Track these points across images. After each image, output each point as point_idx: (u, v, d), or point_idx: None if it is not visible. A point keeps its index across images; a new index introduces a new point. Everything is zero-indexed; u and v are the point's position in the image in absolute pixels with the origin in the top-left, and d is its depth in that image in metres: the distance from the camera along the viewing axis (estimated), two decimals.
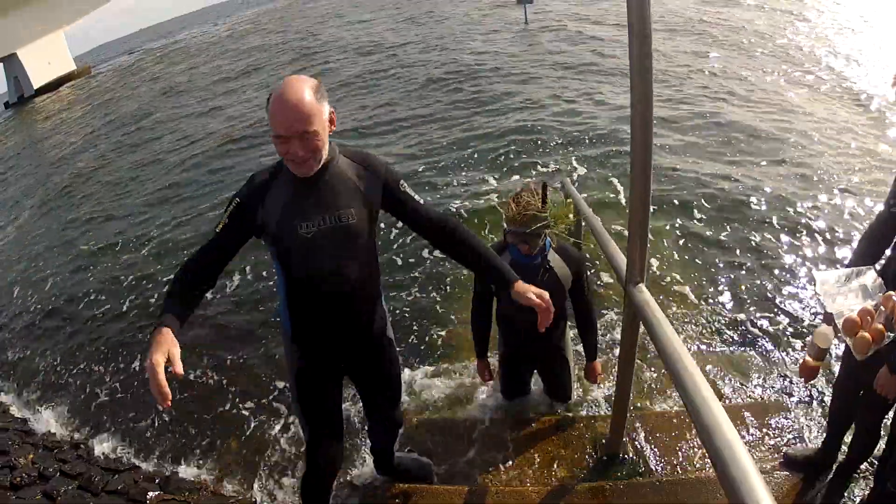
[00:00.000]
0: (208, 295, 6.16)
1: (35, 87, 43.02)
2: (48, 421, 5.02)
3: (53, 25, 45.04)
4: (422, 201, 2.19)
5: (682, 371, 1.61)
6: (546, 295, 2.06)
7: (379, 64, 18.47)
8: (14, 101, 43.72)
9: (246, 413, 4.61)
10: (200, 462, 4.21)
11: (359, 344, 2.35)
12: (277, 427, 4.34)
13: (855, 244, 2.41)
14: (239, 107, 16.78)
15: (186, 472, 4.11)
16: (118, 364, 5.73)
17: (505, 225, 2.79)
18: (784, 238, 5.78)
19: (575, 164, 8.35)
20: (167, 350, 1.65)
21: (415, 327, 5.21)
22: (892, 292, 1.60)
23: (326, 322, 2.22)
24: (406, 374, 4.45)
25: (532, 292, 2.05)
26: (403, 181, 2.17)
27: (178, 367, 1.65)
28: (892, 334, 1.61)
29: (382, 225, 7.22)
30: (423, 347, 4.93)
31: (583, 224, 4.34)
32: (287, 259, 2.11)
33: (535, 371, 3.59)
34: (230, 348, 5.45)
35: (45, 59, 43.90)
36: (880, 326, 1.61)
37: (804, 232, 5.84)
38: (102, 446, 4.50)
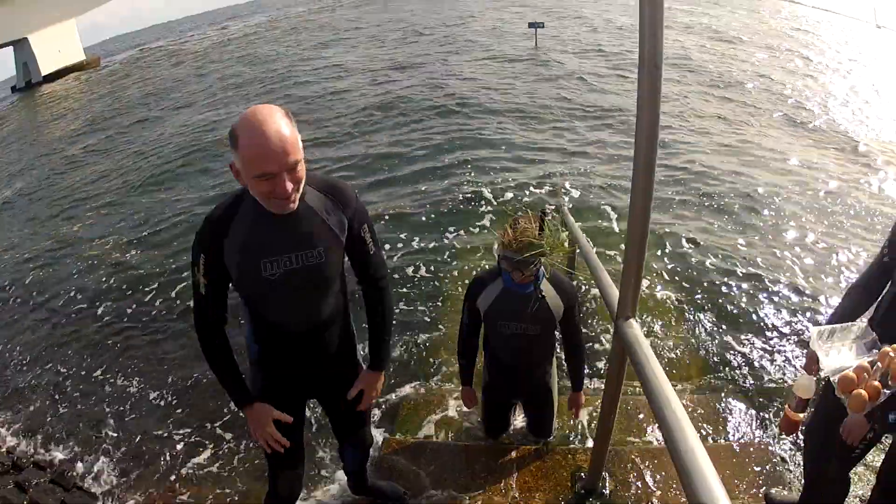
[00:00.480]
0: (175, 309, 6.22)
1: (43, 73, 43.05)
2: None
3: (66, 13, 45.17)
4: (374, 251, 2.16)
5: (667, 413, 1.57)
6: (366, 394, 2.36)
7: (390, 83, 18.57)
8: (21, 87, 43.73)
9: (212, 430, 4.55)
10: (160, 480, 4.13)
11: (327, 372, 2.31)
12: (243, 443, 4.30)
13: (841, 293, 2.40)
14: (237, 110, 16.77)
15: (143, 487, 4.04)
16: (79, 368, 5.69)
17: (499, 250, 2.73)
18: (772, 287, 5.78)
19: (573, 189, 8.39)
20: (269, 419, 2.11)
21: (399, 349, 5.16)
22: (888, 348, 1.58)
23: (294, 354, 2.17)
24: (388, 397, 4.41)
25: (367, 386, 2.35)
26: (368, 224, 2.12)
27: (286, 418, 2.16)
28: (888, 391, 1.58)
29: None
30: (406, 370, 4.88)
31: (577, 253, 4.32)
32: (251, 301, 2.05)
33: (519, 404, 3.53)
34: (193, 365, 5.37)
35: (55, 47, 43.99)
36: (877, 384, 1.58)
37: (791, 281, 5.87)
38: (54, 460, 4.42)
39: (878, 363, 1.60)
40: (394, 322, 2.38)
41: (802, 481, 2.86)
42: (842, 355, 1.64)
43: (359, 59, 22.95)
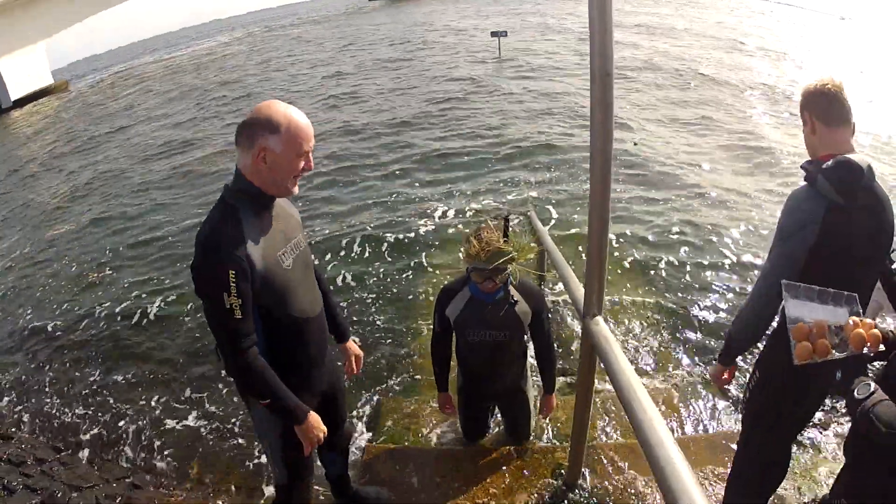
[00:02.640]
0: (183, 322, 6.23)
1: (13, 99, 42.05)
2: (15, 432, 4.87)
3: (34, 37, 44.16)
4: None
5: (636, 406, 1.64)
6: (359, 360, 2.73)
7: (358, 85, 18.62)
8: None
9: (210, 434, 4.59)
10: (164, 482, 4.14)
11: (327, 371, 2.42)
12: (247, 451, 4.32)
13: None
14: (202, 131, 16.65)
15: (148, 490, 4.03)
16: (90, 377, 5.68)
17: (465, 263, 2.77)
18: (744, 276, 5.95)
19: (538, 194, 8.54)
20: (321, 422, 2.19)
21: (376, 355, 5.21)
22: (858, 319, 1.65)
23: (307, 356, 2.25)
24: (366, 402, 4.49)
25: (353, 354, 2.70)
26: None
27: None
28: (836, 354, 1.64)
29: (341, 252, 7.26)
30: (383, 375, 4.92)
31: (546, 257, 4.38)
32: (270, 299, 2.02)
33: (496, 407, 3.58)
34: (195, 372, 5.42)
35: (24, 72, 42.94)
36: (826, 343, 1.65)
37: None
38: (67, 462, 4.36)
39: (843, 329, 1.66)
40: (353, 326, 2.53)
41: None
42: (812, 312, 1.70)
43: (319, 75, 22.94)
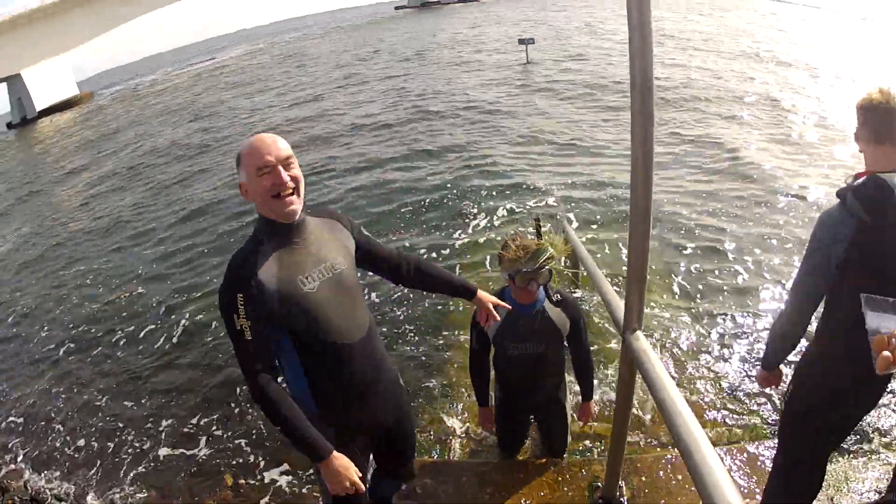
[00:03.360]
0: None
1: (38, 109, 43.25)
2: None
3: (58, 48, 45.41)
4: (383, 243, 2.35)
5: (679, 422, 1.62)
6: (496, 301, 2.47)
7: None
8: (17, 122, 43.94)
9: (223, 468, 4.53)
10: None
11: (381, 402, 2.26)
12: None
13: None
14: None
15: None
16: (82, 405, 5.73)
17: (504, 269, 2.77)
18: (782, 284, 5.83)
19: (572, 204, 8.47)
20: (351, 467, 2.01)
21: (413, 371, 5.18)
22: None
23: (349, 384, 2.11)
24: None
25: (489, 301, 2.45)
26: (366, 232, 2.31)
27: (359, 473, 2.05)
28: None
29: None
30: (421, 391, 4.88)
31: (581, 269, 4.35)
32: (297, 324, 1.97)
33: (533, 421, 3.56)
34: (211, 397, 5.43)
35: (48, 83, 44.23)
36: None
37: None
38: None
39: None
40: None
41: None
42: (889, 322, 1.69)
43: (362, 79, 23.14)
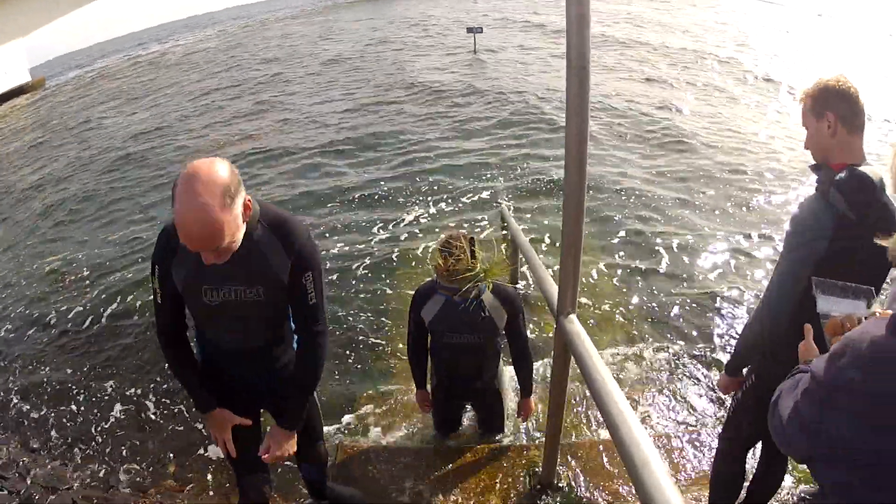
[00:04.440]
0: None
1: None
2: None
3: (12, 34, 43.14)
4: (313, 301, 2.05)
5: (611, 405, 1.62)
6: (291, 446, 2.21)
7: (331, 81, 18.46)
8: None
9: (186, 431, 4.52)
10: (140, 481, 4.05)
11: (268, 392, 2.31)
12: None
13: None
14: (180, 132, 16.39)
15: (125, 491, 3.94)
16: (57, 375, 5.55)
17: (435, 275, 2.79)
18: (718, 268, 6.03)
19: (511, 192, 8.55)
20: (228, 425, 2.15)
21: (351, 355, 5.15)
22: (881, 310, 1.64)
23: (231, 368, 2.23)
24: (341, 401, 4.41)
25: (274, 442, 2.16)
26: (312, 272, 2.03)
27: (245, 421, 2.20)
28: None
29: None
30: (359, 375, 4.86)
31: (520, 256, 4.38)
32: (194, 315, 2.12)
33: (469, 405, 3.56)
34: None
35: (1, 69, 41.99)
36: None
37: (741, 261, 6.13)
38: (42, 464, 4.24)
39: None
40: (321, 375, 2.21)
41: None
42: (840, 307, 1.70)
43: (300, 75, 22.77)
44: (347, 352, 5.18)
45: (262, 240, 1.94)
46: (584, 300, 5.53)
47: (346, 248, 7.31)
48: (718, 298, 5.49)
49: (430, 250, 6.77)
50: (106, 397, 5.09)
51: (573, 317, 2.09)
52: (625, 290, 5.79)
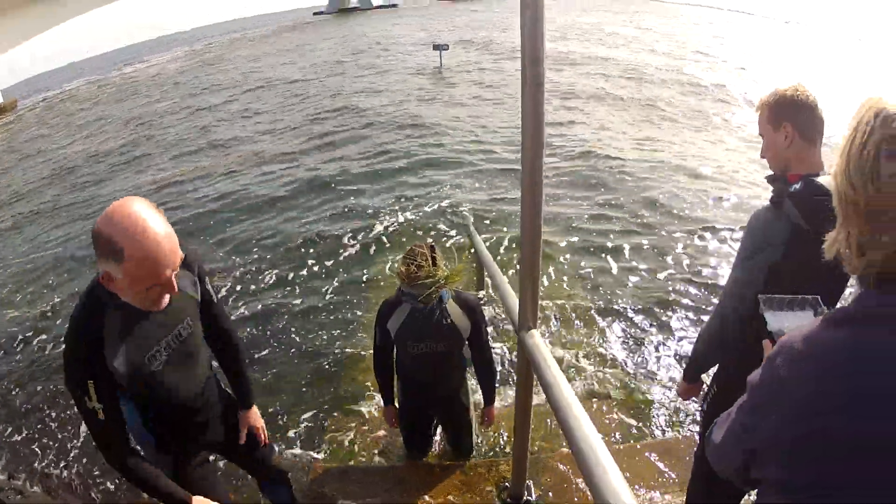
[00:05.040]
0: None
1: None
2: None
3: None
4: (217, 300, 2.16)
5: (570, 418, 1.63)
6: (258, 431, 2.41)
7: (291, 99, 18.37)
8: None
9: None
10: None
11: (220, 427, 2.31)
12: None
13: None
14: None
15: None
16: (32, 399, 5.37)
17: (399, 283, 2.83)
18: (680, 271, 6.18)
19: (477, 205, 8.60)
20: None
21: (320, 375, 5.12)
22: None
23: (189, 424, 2.15)
24: (309, 421, 4.40)
25: (252, 424, 2.38)
26: (207, 276, 2.09)
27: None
28: None
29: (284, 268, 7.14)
30: (329, 395, 4.82)
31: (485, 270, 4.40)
32: (141, 397, 1.93)
33: (438, 422, 3.56)
34: None
35: None
36: None
37: (696, 278, 6.20)
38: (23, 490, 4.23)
39: None
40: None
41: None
42: (785, 318, 1.70)
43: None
44: (317, 372, 5.14)
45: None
46: (555, 303, 5.63)
47: (316, 268, 7.29)
48: (681, 304, 5.61)
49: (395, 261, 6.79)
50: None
51: (534, 331, 2.10)
52: (587, 294, 5.89)
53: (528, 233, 1.93)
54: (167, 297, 1.80)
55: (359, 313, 6.07)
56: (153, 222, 1.59)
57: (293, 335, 5.85)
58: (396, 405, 3.31)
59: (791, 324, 1.72)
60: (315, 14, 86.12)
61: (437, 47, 22.09)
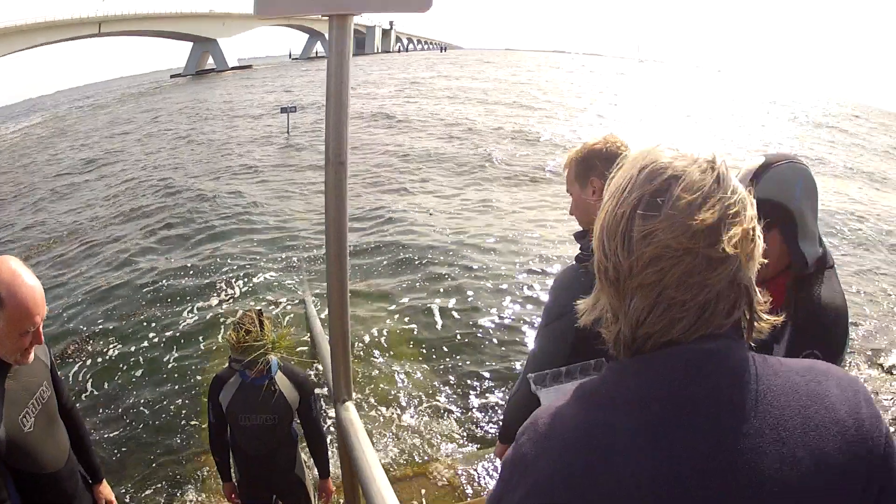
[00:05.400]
0: None
1: None
2: None
3: None
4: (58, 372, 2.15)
5: (373, 490, 1.64)
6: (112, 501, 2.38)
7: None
8: None
9: None
10: None
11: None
12: None
13: None
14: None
15: None
16: None
17: (230, 351, 2.80)
18: (491, 342, 6.34)
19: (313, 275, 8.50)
20: None
21: (165, 449, 4.93)
22: None
23: (56, 498, 2.06)
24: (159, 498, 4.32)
25: (107, 497, 2.35)
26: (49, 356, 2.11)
27: None
28: None
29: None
30: (164, 474, 4.63)
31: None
32: (17, 464, 1.87)
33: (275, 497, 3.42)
34: None
35: None
36: None
37: (511, 336, 6.45)
38: None
39: None
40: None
41: None
42: (562, 392, 1.63)
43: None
44: (165, 449, 4.94)
45: None
46: (374, 369, 5.63)
47: (156, 339, 6.86)
48: (491, 366, 5.79)
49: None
50: None
51: (349, 404, 2.10)
52: (405, 361, 5.94)
53: (335, 307, 1.94)
54: (32, 353, 1.83)
55: (190, 387, 5.79)
56: (26, 274, 1.73)
57: (141, 408, 5.55)
58: (235, 481, 3.19)
59: (564, 394, 1.75)
60: (172, 77, 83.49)
61: (284, 110, 21.86)
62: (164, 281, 8.71)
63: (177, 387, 5.87)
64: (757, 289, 0.79)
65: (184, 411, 5.47)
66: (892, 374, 5.50)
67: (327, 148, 1.82)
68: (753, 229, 0.75)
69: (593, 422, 0.82)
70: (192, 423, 5.25)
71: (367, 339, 6.17)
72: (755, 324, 0.80)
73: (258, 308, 2.89)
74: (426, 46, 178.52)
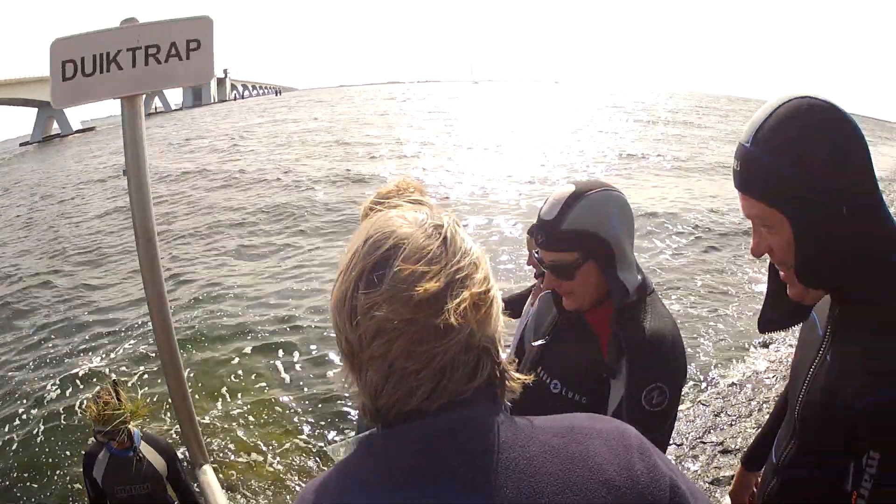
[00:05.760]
0: None
1: None
2: None
3: None
4: None
5: None
6: None
7: None
8: None
9: None
10: None
11: None
12: None
13: None
14: None
15: None
16: None
17: (93, 425, 2.70)
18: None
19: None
20: None
21: None
22: None
23: None
24: None
25: None
26: None
27: None
28: None
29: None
30: None
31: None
32: None
33: None
34: None
35: None
36: None
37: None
38: None
39: None
40: None
41: None
42: None
43: None
44: None
45: None
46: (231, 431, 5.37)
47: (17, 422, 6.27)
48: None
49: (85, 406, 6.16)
50: None
51: (206, 467, 2.14)
52: (259, 421, 5.70)
53: (173, 381, 1.99)
54: None
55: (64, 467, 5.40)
56: None
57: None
58: None
59: None
60: (21, 145, 77.09)
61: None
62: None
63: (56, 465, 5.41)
64: (500, 348, 0.74)
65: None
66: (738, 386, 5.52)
67: (135, 226, 1.88)
68: (486, 292, 0.71)
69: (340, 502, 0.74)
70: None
71: (218, 402, 5.83)
72: (507, 383, 0.74)
73: (113, 379, 2.84)
74: (262, 91, 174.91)
